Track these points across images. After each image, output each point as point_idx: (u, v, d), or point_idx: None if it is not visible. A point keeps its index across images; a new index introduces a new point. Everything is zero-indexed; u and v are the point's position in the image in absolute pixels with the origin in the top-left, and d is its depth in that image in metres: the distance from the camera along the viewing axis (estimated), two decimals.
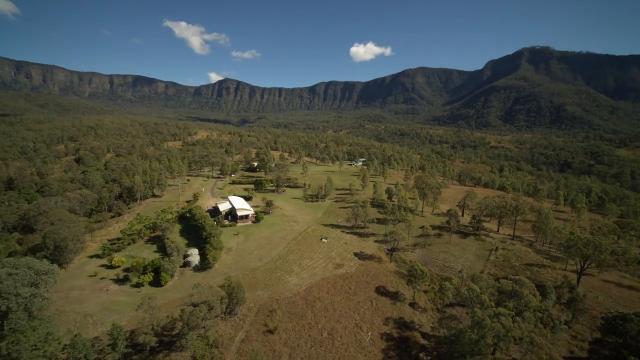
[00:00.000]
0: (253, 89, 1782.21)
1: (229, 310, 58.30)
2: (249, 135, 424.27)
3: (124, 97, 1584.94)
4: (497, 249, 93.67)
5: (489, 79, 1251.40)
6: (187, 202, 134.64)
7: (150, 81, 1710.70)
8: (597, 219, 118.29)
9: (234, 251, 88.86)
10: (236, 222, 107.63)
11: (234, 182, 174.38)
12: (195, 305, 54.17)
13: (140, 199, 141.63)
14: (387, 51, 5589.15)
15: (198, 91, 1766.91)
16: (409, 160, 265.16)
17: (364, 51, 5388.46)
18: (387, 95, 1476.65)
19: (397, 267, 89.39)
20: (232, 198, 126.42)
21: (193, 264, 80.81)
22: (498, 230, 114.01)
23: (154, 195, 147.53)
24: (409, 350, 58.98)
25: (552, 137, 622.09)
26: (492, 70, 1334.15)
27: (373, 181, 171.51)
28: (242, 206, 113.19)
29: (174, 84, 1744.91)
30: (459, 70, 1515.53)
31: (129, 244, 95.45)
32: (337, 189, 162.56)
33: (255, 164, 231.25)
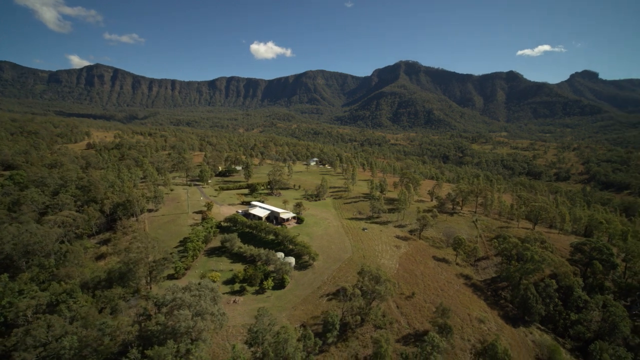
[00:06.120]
0: (137, 79, 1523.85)
1: None
2: (174, 136, 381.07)
3: None
4: (476, 220, 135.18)
5: (377, 85, 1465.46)
6: (198, 212, 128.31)
7: None
8: (520, 194, 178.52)
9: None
10: (282, 225, 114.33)
11: (222, 189, 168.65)
12: (360, 289, 67.67)
13: (136, 214, 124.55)
14: (288, 52, 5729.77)
15: (55, 77, 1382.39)
16: (357, 158, 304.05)
17: (264, 49, 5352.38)
18: (292, 94, 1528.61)
19: (426, 242, 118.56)
20: (258, 203, 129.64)
21: (292, 265, 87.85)
22: (462, 208, 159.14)
23: (148, 210, 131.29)
24: (480, 289, 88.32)
25: (430, 136, 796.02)
26: (378, 78, 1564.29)
27: (345, 178, 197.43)
28: (282, 210, 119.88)
29: (15, 66, 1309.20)
30: (352, 75, 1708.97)
31: (192, 260, 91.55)
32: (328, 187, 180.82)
33: (220, 167, 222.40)
